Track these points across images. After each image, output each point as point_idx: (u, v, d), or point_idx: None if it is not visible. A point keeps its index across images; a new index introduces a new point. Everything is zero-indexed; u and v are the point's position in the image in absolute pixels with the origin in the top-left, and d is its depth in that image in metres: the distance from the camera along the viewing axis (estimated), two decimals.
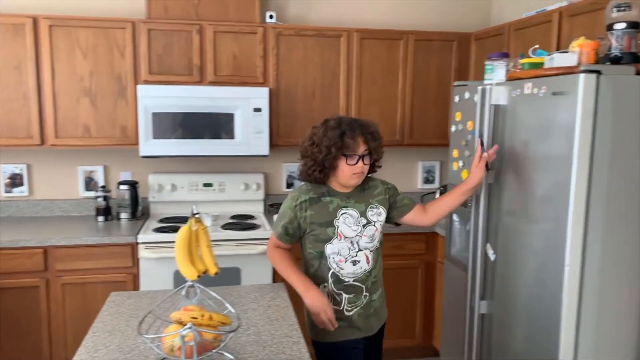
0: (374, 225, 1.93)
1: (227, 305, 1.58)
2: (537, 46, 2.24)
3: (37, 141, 2.98)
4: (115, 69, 3.02)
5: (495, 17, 3.65)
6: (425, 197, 3.55)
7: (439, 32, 3.39)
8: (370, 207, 1.94)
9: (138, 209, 3.30)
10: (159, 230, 2.96)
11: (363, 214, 1.92)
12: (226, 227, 3.07)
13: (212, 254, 1.56)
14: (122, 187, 3.24)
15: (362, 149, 1.83)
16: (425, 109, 3.41)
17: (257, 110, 3.09)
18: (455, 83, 2.60)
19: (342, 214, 1.89)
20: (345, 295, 1.92)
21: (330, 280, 1.91)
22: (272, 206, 3.49)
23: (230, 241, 2.94)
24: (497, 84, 2.23)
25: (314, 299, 1.83)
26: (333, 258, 1.89)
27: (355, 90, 3.30)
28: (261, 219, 3.30)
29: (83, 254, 2.81)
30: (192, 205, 1.92)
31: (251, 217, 3.36)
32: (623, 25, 1.85)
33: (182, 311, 1.42)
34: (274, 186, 3.63)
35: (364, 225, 1.91)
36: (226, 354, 1.49)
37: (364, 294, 1.95)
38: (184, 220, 2.98)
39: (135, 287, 2.88)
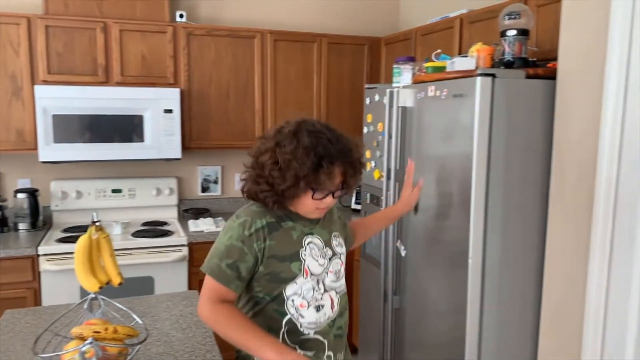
0: (340, 259, 1.51)
1: (134, 316, 1.52)
2: (439, 51, 2.36)
3: None
4: (9, 67, 2.79)
5: (403, 22, 3.80)
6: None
7: (351, 36, 3.47)
8: (334, 236, 1.53)
9: (39, 219, 3.06)
10: (62, 240, 2.78)
11: (328, 242, 1.49)
12: (137, 234, 2.95)
13: (115, 263, 1.49)
14: (20, 195, 3.00)
15: (337, 181, 1.37)
16: (340, 110, 3.47)
17: (168, 111, 2.99)
18: (366, 86, 2.67)
19: (307, 243, 1.43)
20: (300, 352, 1.40)
21: (282, 330, 1.40)
22: (186, 211, 3.39)
23: (142, 249, 2.82)
24: (404, 87, 2.32)
25: None
26: (293, 301, 1.39)
27: (270, 92, 3.29)
28: (175, 225, 3.19)
29: None
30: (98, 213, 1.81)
31: (164, 223, 3.24)
32: (514, 32, 1.99)
33: (84, 325, 1.34)
34: (188, 190, 3.53)
35: (329, 259, 1.47)
36: None
37: (327, 353, 1.45)
38: None
39: (37, 302, 2.68)
